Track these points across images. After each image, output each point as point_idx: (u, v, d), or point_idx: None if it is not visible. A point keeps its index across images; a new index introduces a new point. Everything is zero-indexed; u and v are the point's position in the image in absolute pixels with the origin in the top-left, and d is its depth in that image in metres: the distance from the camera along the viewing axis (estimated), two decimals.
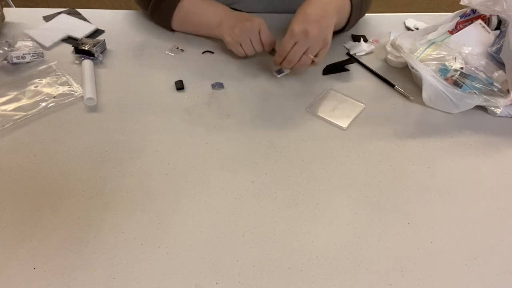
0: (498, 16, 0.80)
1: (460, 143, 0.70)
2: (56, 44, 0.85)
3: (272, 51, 0.81)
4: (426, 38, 0.82)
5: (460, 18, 0.84)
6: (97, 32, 0.89)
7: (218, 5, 0.84)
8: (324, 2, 0.73)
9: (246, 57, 0.82)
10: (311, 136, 0.69)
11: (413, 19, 0.97)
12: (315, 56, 0.73)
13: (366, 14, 0.99)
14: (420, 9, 2.24)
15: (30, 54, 0.78)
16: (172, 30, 0.89)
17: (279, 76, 0.80)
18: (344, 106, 0.75)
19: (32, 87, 0.74)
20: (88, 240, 0.54)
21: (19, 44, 0.80)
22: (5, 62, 0.78)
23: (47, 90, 0.74)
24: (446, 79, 0.73)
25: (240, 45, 0.78)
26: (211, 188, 0.61)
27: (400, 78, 0.81)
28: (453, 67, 0.74)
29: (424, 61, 0.76)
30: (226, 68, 0.82)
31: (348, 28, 0.87)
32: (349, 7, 0.81)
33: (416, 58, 0.76)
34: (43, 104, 0.72)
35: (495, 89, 0.73)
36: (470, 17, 0.83)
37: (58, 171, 0.62)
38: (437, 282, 0.51)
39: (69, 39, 0.86)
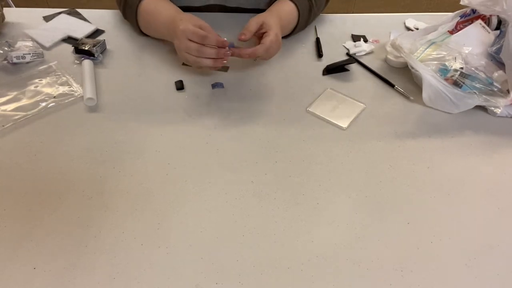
0: (498, 16, 0.80)
1: (460, 143, 0.70)
2: (56, 44, 0.85)
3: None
4: (426, 38, 0.82)
5: (460, 18, 0.84)
6: (97, 32, 0.89)
7: (166, 13, 0.77)
8: (277, 18, 0.79)
9: (206, 68, 0.75)
10: (311, 136, 0.69)
11: (413, 19, 0.97)
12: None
13: (366, 14, 0.99)
14: (420, 9, 2.24)
15: (30, 54, 0.78)
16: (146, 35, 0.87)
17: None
18: (344, 106, 0.75)
19: (32, 87, 0.74)
20: (88, 240, 0.54)
21: (19, 44, 0.80)
22: (5, 62, 0.78)
23: (47, 90, 0.74)
24: (446, 79, 0.73)
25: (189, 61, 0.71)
26: (211, 188, 0.61)
27: (400, 78, 0.81)
28: (453, 67, 0.74)
29: (424, 61, 0.76)
30: None
31: (293, 35, 0.90)
32: (295, 20, 0.85)
33: (416, 58, 0.76)
34: (43, 104, 0.72)
35: (495, 89, 0.73)
36: (470, 17, 0.83)
37: (58, 171, 0.62)
38: (437, 282, 0.51)
39: (69, 39, 0.86)
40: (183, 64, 0.81)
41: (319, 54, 0.86)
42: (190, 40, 0.68)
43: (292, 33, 0.88)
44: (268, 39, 0.73)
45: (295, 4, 0.83)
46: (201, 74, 0.80)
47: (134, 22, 0.85)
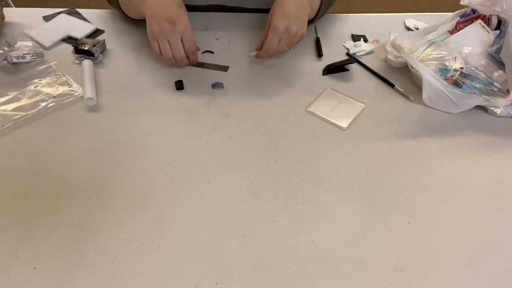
0: (498, 16, 0.80)
1: (460, 143, 0.70)
2: (56, 44, 0.85)
3: (200, 65, 0.79)
4: (426, 38, 0.82)
5: (460, 18, 0.84)
6: (97, 32, 0.89)
7: None
8: None
9: (160, 54, 0.74)
10: (311, 136, 0.69)
11: (413, 19, 0.97)
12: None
13: (366, 14, 0.99)
14: (420, 9, 2.24)
15: (30, 54, 0.78)
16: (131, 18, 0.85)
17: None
18: (344, 106, 0.75)
19: (32, 87, 0.74)
20: (88, 240, 0.54)
21: (19, 44, 0.80)
22: (5, 62, 0.78)
23: (47, 90, 0.74)
24: (446, 79, 0.73)
25: (157, 42, 0.71)
26: (211, 188, 0.61)
27: (400, 78, 0.81)
28: (453, 67, 0.74)
29: (424, 61, 0.76)
30: None
31: (315, 21, 0.90)
32: (318, 1, 0.84)
33: (416, 58, 0.76)
34: (43, 104, 0.72)
35: (495, 89, 0.73)
36: (470, 17, 0.83)
37: (58, 171, 0.62)
38: (437, 282, 0.51)
39: (69, 39, 0.86)
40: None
41: (319, 54, 0.86)
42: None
43: (317, 16, 0.87)
44: (268, 43, 0.75)
45: None
46: (201, 73, 0.80)
47: (116, 5, 0.84)
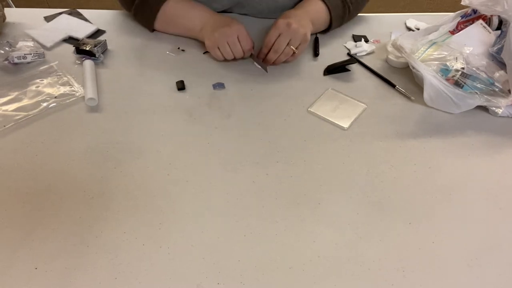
0: (499, 16, 0.80)
1: (461, 143, 0.70)
2: (57, 44, 0.85)
3: (251, 56, 0.82)
4: (427, 38, 0.82)
5: (461, 18, 0.84)
6: (98, 33, 0.89)
7: (202, 8, 0.84)
8: (303, 12, 0.83)
9: (225, 60, 0.82)
10: (312, 136, 0.69)
11: (414, 19, 0.97)
12: (296, 48, 0.79)
13: (367, 14, 0.99)
14: (420, 9, 2.24)
15: (31, 54, 0.78)
16: (153, 30, 0.89)
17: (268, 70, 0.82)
18: (345, 106, 0.75)
19: (33, 87, 0.74)
20: (89, 240, 0.54)
21: (20, 44, 0.80)
22: (6, 62, 0.78)
23: (48, 90, 0.74)
24: (447, 79, 0.73)
25: (219, 49, 0.79)
26: (213, 188, 0.61)
27: (401, 78, 0.81)
28: (454, 67, 0.74)
29: (425, 61, 0.76)
30: (227, 68, 0.82)
31: (332, 29, 0.91)
32: (326, 16, 0.87)
33: (417, 58, 0.76)
34: (44, 104, 0.72)
35: (496, 89, 0.73)
36: (471, 17, 0.83)
37: (59, 171, 0.62)
38: (438, 282, 0.51)
39: (70, 40, 0.86)
40: (205, 52, 0.85)
41: (315, 53, 0.86)
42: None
43: (330, 28, 0.90)
44: (267, 37, 0.78)
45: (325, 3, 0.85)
46: (202, 74, 0.80)
47: (149, 17, 0.86)
